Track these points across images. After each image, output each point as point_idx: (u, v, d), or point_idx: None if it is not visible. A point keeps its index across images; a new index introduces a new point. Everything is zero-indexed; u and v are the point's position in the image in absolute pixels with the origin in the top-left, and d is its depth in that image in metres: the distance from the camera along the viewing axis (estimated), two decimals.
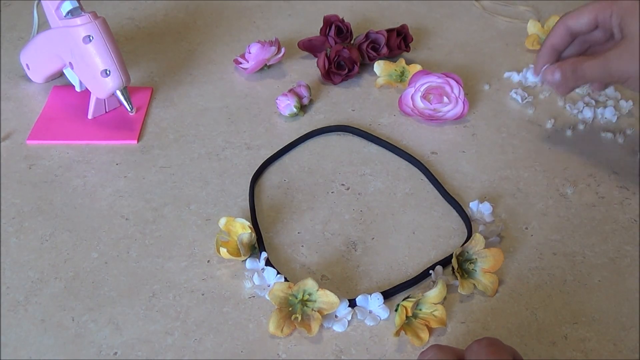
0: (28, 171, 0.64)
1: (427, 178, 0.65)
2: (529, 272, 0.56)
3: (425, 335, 0.50)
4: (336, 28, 0.79)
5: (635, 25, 0.58)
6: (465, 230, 0.59)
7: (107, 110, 0.71)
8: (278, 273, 0.54)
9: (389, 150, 0.68)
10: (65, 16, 0.65)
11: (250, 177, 0.64)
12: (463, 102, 0.71)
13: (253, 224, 0.59)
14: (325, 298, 0.51)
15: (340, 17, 0.80)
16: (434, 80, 0.71)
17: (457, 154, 0.68)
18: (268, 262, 0.55)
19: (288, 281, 0.54)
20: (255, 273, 0.54)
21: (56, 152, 0.66)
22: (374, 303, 0.52)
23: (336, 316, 0.52)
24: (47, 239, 0.58)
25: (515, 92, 0.75)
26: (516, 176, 0.66)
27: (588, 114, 0.73)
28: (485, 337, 0.40)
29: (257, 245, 0.57)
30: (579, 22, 0.62)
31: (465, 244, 0.55)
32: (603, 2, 0.61)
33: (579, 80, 0.61)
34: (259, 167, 0.65)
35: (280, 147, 0.67)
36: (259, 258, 0.55)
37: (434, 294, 0.51)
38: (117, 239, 0.58)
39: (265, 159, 0.66)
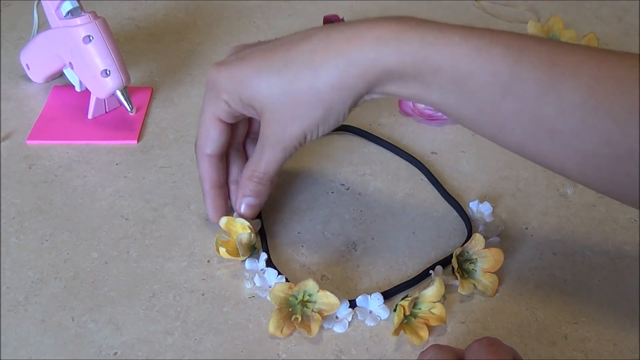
0: (28, 171, 0.64)
1: (427, 178, 0.65)
2: (529, 272, 0.56)
3: (424, 333, 0.50)
4: None
5: (261, 100, 0.50)
6: (465, 230, 0.59)
7: (107, 110, 0.71)
8: (279, 274, 0.54)
9: (389, 150, 0.68)
10: (65, 16, 0.65)
11: None
12: None
13: (260, 225, 0.59)
14: (326, 299, 0.51)
15: (340, 17, 0.80)
16: None
17: (457, 154, 0.68)
18: (270, 263, 0.55)
19: (289, 282, 0.54)
20: (257, 274, 0.54)
21: (56, 152, 0.66)
22: (374, 303, 0.52)
23: (337, 317, 0.52)
24: (47, 239, 0.58)
25: None
26: (516, 176, 0.66)
27: None
28: (486, 336, 0.40)
29: (261, 245, 0.57)
30: (212, 141, 0.54)
31: (465, 244, 0.55)
32: (209, 98, 0.53)
33: (268, 181, 0.55)
34: None
35: None
36: (258, 258, 0.55)
37: (431, 291, 0.51)
38: (117, 239, 0.58)
39: None
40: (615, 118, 0.42)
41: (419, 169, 0.66)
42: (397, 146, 0.68)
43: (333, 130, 0.69)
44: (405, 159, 0.67)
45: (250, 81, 0.49)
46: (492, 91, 0.45)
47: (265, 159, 0.53)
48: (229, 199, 0.58)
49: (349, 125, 0.70)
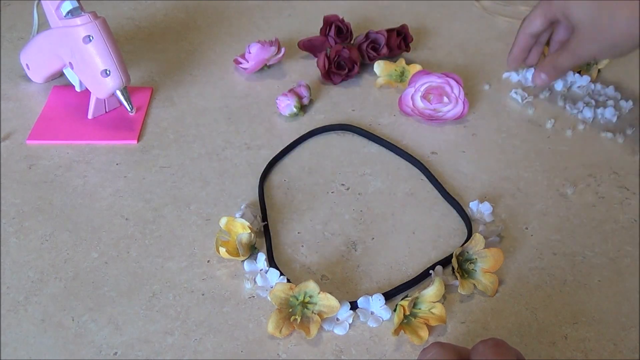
0: (28, 171, 0.64)
1: (427, 178, 0.65)
2: (529, 272, 0.56)
3: (424, 333, 0.50)
4: (336, 28, 0.79)
5: (577, 13, 0.67)
6: (465, 230, 0.59)
7: (107, 110, 0.71)
8: (281, 274, 0.54)
9: (390, 150, 0.68)
10: (65, 16, 0.65)
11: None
12: (463, 102, 0.71)
13: (264, 224, 0.59)
14: (326, 301, 0.51)
15: (340, 17, 0.80)
16: (434, 80, 0.71)
17: (457, 154, 0.68)
18: (272, 264, 0.55)
19: (290, 282, 0.54)
20: (258, 274, 0.54)
21: (56, 152, 0.66)
22: (376, 304, 0.52)
23: (337, 319, 0.52)
24: (47, 239, 0.58)
25: (515, 92, 0.75)
26: (516, 176, 0.66)
27: (588, 114, 0.73)
28: (491, 337, 0.40)
29: (265, 243, 0.57)
30: (534, 26, 0.73)
31: (465, 244, 0.55)
32: (544, 3, 0.71)
33: (560, 73, 0.73)
34: (267, 166, 0.65)
35: (284, 146, 0.67)
36: (256, 259, 0.55)
37: (431, 291, 0.51)
38: (117, 239, 0.58)
39: (271, 158, 0.66)
40: None
41: (419, 169, 0.66)
42: (397, 146, 0.68)
43: (336, 129, 0.70)
44: (406, 159, 0.67)
45: (575, 6, 0.67)
46: None
47: (569, 58, 0.70)
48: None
49: (351, 125, 0.70)
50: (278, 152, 0.67)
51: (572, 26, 0.69)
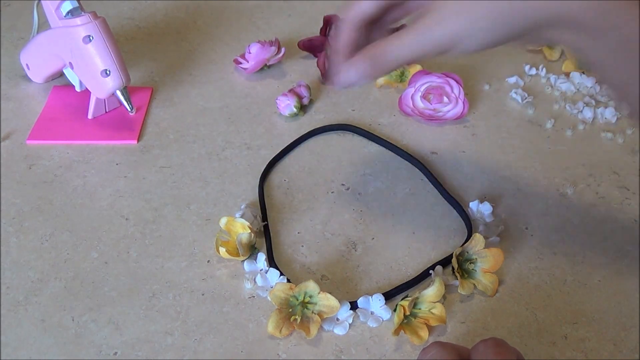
0: (28, 171, 0.64)
1: (427, 178, 0.65)
2: (529, 272, 0.56)
3: (424, 333, 0.50)
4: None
5: None
6: (465, 230, 0.59)
7: (107, 110, 0.71)
8: (281, 274, 0.54)
9: (390, 150, 0.68)
10: (65, 16, 0.65)
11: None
12: (463, 102, 0.71)
13: (264, 224, 0.59)
14: (326, 301, 0.51)
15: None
16: (434, 80, 0.71)
17: (457, 154, 0.68)
18: (272, 263, 0.55)
19: (290, 282, 0.54)
20: (258, 274, 0.54)
21: (56, 152, 0.66)
22: (376, 304, 0.52)
23: (337, 319, 0.52)
24: (47, 239, 0.58)
25: (515, 92, 0.75)
26: (516, 176, 0.66)
27: (588, 114, 0.73)
28: (491, 337, 0.40)
29: (265, 243, 0.57)
30: (365, 8, 0.50)
31: (465, 244, 0.55)
32: None
33: (386, 67, 0.48)
34: (267, 166, 0.65)
35: (284, 146, 0.68)
36: (256, 259, 0.55)
37: (431, 292, 0.51)
38: (117, 239, 0.58)
39: (271, 158, 0.66)
40: None
41: (419, 169, 0.66)
42: (397, 146, 0.68)
43: (336, 129, 0.70)
44: (406, 159, 0.67)
45: None
46: None
47: (410, 42, 0.47)
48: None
49: (349, 125, 0.70)
50: (278, 152, 0.67)
51: (424, 5, 0.47)
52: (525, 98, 0.75)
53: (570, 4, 0.43)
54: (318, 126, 0.70)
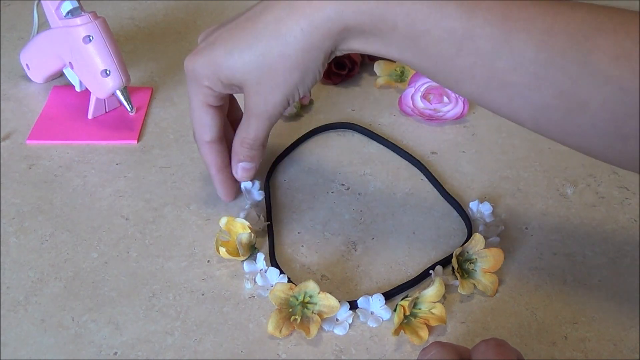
0: (28, 171, 0.64)
1: (427, 178, 0.65)
2: (529, 272, 0.56)
3: (424, 333, 0.50)
4: None
5: (235, 73, 0.51)
6: (465, 230, 0.59)
7: (107, 110, 0.71)
8: (281, 273, 0.54)
9: (390, 149, 0.68)
10: (65, 16, 0.65)
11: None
12: (463, 102, 0.71)
13: (268, 223, 0.59)
14: (326, 301, 0.51)
15: None
16: None
17: (457, 154, 0.68)
18: (274, 263, 0.55)
19: (291, 281, 0.54)
20: (258, 274, 0.54)
21: (56, 152, 0.66)
22: (376, 304, 0.52)
23: (337, 319, 0.52)
24: (47, 239, 0.58)
25: None
26: (516, 176, 0.66)
27: None
28: (492, 337, 0.40)
29: (267, 242, 0.57)
30: (205, 128, 0.56)
31: (465, 244, 0.55)
32: (192, 87, 0.55)
33: (260, 146, 0.57)
34: (272, 164, 0.65)
35: (286, 146, 0.68)
36: (255, 260, 0.55)
37: (431, 292, 0.51)
38: (117, 239, 0.58)
39: (277, 156, 0.66)
40: (567, 71, 0.43)
41: (419, 169, 0.66)
42: (398, 145, 0.68)
43: (335, 129, 0.70)
44: (406, 159, 0.67)
45: (226, 62, 0.51)
46: (447, 47, 0.46)
47: (253, 127, 0.55)
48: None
49: (351, 123, 0.70)
50: (284, 150, 0.67)
51: (241, 89, 0.53)
52: None
53: (343, 12, 0.47)
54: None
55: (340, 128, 0.71)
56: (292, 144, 0.68)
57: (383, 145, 0.68)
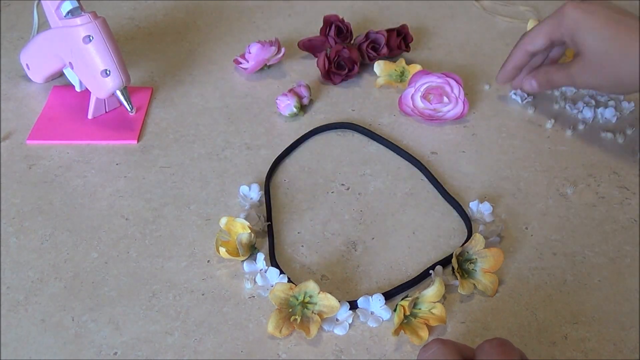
0: (28, 171, 0.64)
1: (427, 178, 0.65)
2: (529, 272, 0.56)
3: (424, 333, 0.50)
4: (336, 28, 0.79)
5: (588, 40, 0.62)
6: (465, 230, 0.59)
7: (107, 110, 0.71)
8: (281, 273, 0.54)
9: (391, 149, 0.68)
10: (65, 16, 0.65)
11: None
12: (463, 102, 0.71)
13: (268, 223, 0.59)
14: (326, 301, 0.51)
15: (340, 17, 0.80)
16: (434, 80, 0.71)
17: (457, 154, 0.68)
18: (274, 263, 0.55)
19: (291, 281, 0.54)
20: (258, 274, 0.54)
21: (56, 152, 0.66)
22: (376, 304, 0.52)
23: (337, 320, 0.52)
24: (47, 239, 0.58)
25: (515, 93, 0.75)
26: (516, 176, 0.66)
27: (588, 114, 0.73)
28: (496, 337, 0.40)
29: (267, 242, 0.57)
30: (535, 44, 0.67)
31: (465, 244, 0.55)
32: (552, 22, 0.65)
33: (551, 87, 0.69)
34: (272, 165, 0.65)
35: (286, 146, 0.68)
36: (255, 260, 0.55)
37: (431, 292, 0.51)
38: (117, 239, 0.58)
39: (277, 155, 0.66)
40: None
41: (419, 169, 0.66)
42: (399, 145, 0.68)
43: (338, 127, 0.70)
44: (406, 159, 0.67)
45: (587, 32, 0.62)
46: None
47: (565, 80, 0.66)
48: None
49: (353, 123, 0.70)
50: (284, 149, 0.67)
51: (577, 51, 0.64)
52: (525, 98, 0.75)
53: None
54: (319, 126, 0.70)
55: (340, 128, 0.71)
56: (292, 144, 0.68)
57: (383, 145, 0.68)
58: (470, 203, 0.61)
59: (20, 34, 0.84)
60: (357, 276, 0.56)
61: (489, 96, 0.76)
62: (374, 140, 0.69)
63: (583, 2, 0.63)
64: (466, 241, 0.56)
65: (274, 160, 0.66)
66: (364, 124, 0.71)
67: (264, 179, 0.64)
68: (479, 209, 0.61)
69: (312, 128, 0.70)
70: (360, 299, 0.52)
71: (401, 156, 0.67)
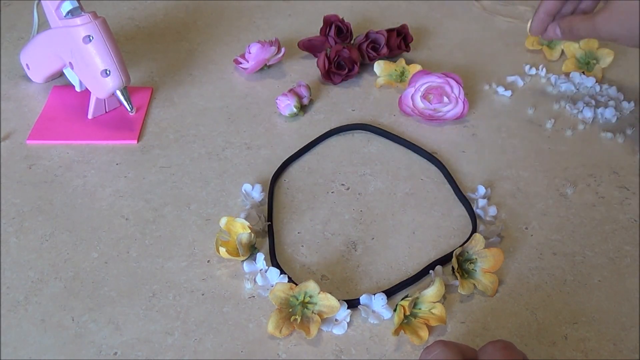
0: (28, 171, 0.64)
1: (443, 174, 0.64)
2: (529, 272, 0.56)
3: (424, 333, 0.50)
4: (336, 28, 0.79)
5: None
6: (467, 230, 0.59)
7: (107, 110, 0.71)
8: (281, 273, 0.54)
9: (410, 149, 0.68)
10: (65, 16, 0.65)
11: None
12: (463, 102, 0.71)
13: (268, 223, 0.59)
14: (326, 302, 0.51)
15: (340, 17, 0.80)
16: (434, 80, 0.71)
17: (457, 154, 0.68)
18: (274, 263, 0.55)
19: (292, 281, 0.54)
20: (258, 274, 0.54)
21: (56, 152, 0.66)
22: (378, 303, 0.52)
23: (336, 320, 0.52)
24: (47, 239, 0.58)
25: (505, 89, 0.75)
26: (516, 176, 0.66)
27: (588, 114, 0.73)
28: (500, 339, 0.40)
29: (267, 242, 0.57)
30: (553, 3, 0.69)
31: (465, 244, 0.55)
32: None
33: (574, 37, 0.69)
34: (280, 166, 0.65)
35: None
36: (255, 260, 0.55)
37: (431, 292, 0.51)
38: (117, 239, 0.58)
39: (285, 158, 0.66)
40: None
41: (438, 168, 0.65)
42: (418, 145, 0.68)
43: (353, 129, 0.70)
44: (425, 158, 0.67)
45: None
46: None
47: (589, 30, 0.66)
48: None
49: (365, 124, 0.70)
50: (295, 152, 0.67)
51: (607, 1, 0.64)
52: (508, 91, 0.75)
53: None
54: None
55: (355, 129, 0.70)
56: (304, 147, 0.67)
57: (401, 145, 0.68)
58: (479, 199, 0.61)
59: (20, 34, 0.84)
60: (357, 276, 0.56)
61: (489, 96, 0.76)
62: (391, 140, 0.69)
63: None
64: (468, 239, 0.56)
65: (282, 162, 0.65)
66: (379, 124, 0.71)
67: (269, 179, 0.64)
68: (479, 208, 0.61)
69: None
70: (363, 296, 0.52)
71: (420, 155, 0.67)
